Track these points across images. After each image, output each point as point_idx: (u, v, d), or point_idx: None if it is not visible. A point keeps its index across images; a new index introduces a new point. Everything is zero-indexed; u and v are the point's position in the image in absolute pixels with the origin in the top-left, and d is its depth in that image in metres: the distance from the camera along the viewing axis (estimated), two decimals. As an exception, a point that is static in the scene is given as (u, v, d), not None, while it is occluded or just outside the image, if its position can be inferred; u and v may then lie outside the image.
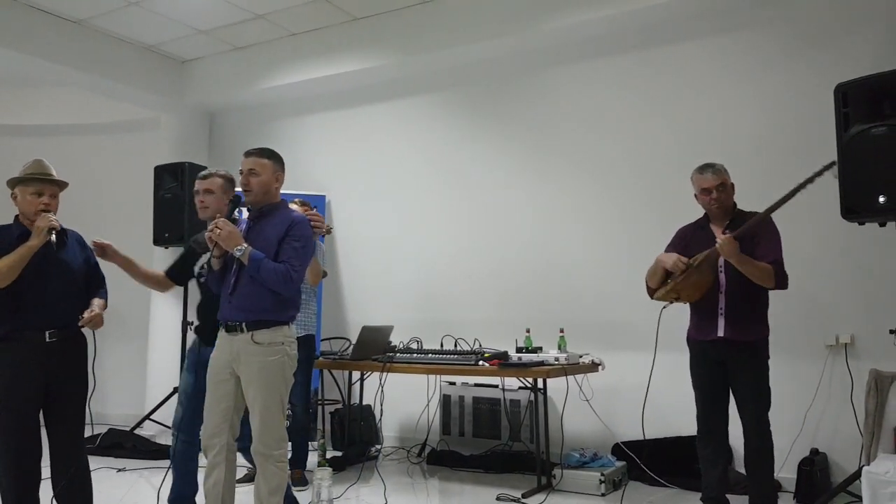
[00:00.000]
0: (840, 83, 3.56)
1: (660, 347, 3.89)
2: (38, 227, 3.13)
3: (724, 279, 3.52)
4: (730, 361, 3.53)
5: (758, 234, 3.47)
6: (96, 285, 3.43)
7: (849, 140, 3.47)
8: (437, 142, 6.04)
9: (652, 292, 3.70)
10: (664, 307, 3.65)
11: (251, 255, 3.09)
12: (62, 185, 3.33)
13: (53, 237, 3.13)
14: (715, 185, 3.56)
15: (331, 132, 6.57)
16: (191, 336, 3.80)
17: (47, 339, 3.16)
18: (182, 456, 3.52)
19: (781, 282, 3.44)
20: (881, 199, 3.39)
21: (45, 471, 3.23)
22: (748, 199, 3.66)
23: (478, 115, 5.89)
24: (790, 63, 4.71)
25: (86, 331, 3.29)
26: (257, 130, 6.85)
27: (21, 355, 3.12)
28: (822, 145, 4.09)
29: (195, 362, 3.51)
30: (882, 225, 3.59)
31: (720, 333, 3.50)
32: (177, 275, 3.74)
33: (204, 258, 3.45)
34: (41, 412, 3.21)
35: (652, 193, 5.07)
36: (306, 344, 4.60)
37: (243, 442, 3.33)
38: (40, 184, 3.22)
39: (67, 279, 3.27)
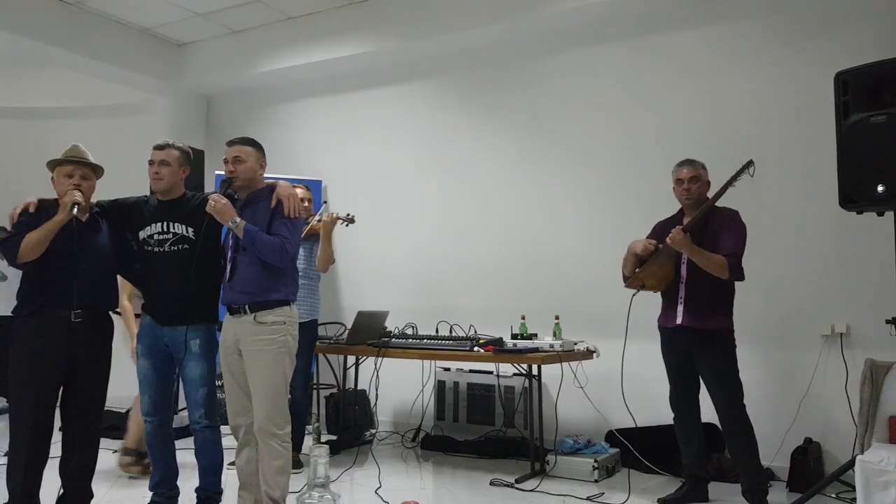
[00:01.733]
0: (840, 71, 3.55)
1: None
2: (63, 202, 3.17)
3: (684, 270, 3.77)
4: (692, 349, 3.76)
5: (722, 228, 3.69)
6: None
7: (848, 128, 3.46)
8: (434, 128, 6.01)
9: (625, 280, 3.94)
10: (634, 294, 3.90)
11: (245, 228, 3.17)
12: (97, 169, 3.37)
13: (76, 211, 3.13)
14: (688, 177, 3.81)
15: (328, 117, 6.55)
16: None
17: (72, 319, 3.18)
18: (156, 441, 3.47)
19: (735, 274, 3.65)
20: (879, 189, 3.38)
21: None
22: (747, 188, 3.66)
23: (474, 101, 5.87)
24: (789, 51, 4.69)
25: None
26: (254, 115, 6.83)
27: (46, 332, 3.15)
28: (821, 134, 4.09)
29: (149, 346, 3.42)
30: (880, 214, 3.59)
31: (679, 321, 3.76)
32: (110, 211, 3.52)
33: (153, 227, 3.40)
34: (61, 390, 3.25)
35: (649, 182, 5.04)
36: (310, 329, 4.60)
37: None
38: (73, 165, 3.28)
39: (97, 260, 3.30)
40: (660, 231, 3.96)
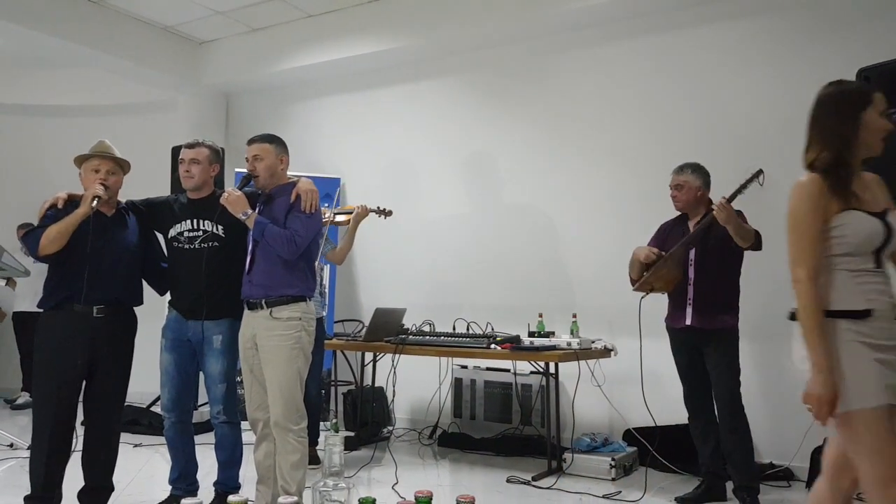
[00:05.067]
0: (862, 68, 3.51)
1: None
2: (84, 196, 3.21)
3: (692, 273, 3.83)
4: (702, 347, 3.81)
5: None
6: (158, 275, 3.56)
7: (870, 126, 3.41)
8: (452, 126, 6.02)
9: (633, 283, 4.02)
10: (643, 297, 3.95)
11: (256, 220, 3.24)
12: (123, 164, 3.40)
13: (96, 204, 3.16)
14: (673, 185, 3.95)
15: (346, 114, 6.58)
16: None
17: (94, 314, 3.21)
18: (175, 437, 3.50)
19: (758, 243, 3.71)
20: (901, 187, 3.33)
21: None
22: (773, 183, 3.62)
23: (492, 98, 5.87)
24: (813, 47, 4.64)
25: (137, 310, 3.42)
26: (273, 112, 6.87)
27: (67, 328, 3.17)
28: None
29: (174, 339, 3.45)
30: (901, 212, 3.53)
31: (688, 322, 3.82)
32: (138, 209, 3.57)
33: (183, 225, 3.44)
34: (83, 384, 3.27)
35: (668, 180, 5.02)
36: (320, 325, 4.63)
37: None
38: (99, 160, 3.32)
39: (121, 257, 3.33)
40: (665, 232, 4.03)
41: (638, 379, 4.75)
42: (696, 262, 3.82)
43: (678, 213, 4.04)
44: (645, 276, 3.89)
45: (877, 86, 3.39)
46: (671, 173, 3.97)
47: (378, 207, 4.68)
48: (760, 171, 3.59)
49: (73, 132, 6.90)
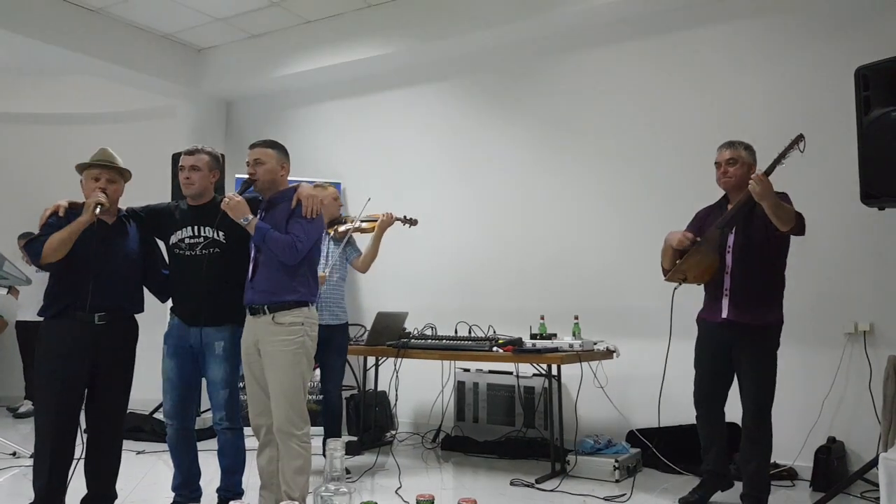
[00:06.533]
0: (861, 66, 3.50)
1: (674, 336, 3.89)
2: (86, 203, 3.21)
3: (730, 259, 3.55)
4: (735, 345, 3.55)
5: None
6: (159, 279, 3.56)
7: (869, 124, 3.41)
8: (453, 129, 6.02)
9: (665, 273, 3.76)
10: (675, 288, 3.72)
11: (257, 225, 3.23)
12: (124, 172, 3.41)
13: (98, 211, 3.17)
14: (726, 159, 3.62)
15: (346, 119, 6.58)
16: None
17: (96, 321, 3.22)
18: (178, 444, 3.50)
19: (801, 227, 3.43)
20: (901, 184, 3.32)
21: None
22: (779, 178, 3.60)
23: (493, 101, 5.87)
24: (813, 46, 4.65)
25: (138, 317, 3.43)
26: (273, 118, 6.88)
27: (70, 334, 3.18)
28: (844, 130, 4.05)
29: (176, 346, 3.45)
30: (902, 210, 3.52)
31: (724, 315, 3.54)
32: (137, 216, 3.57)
33: (184, 231, 3.45)
34: (85, 392, 3.28)
35: (670, 179, 5.03)
36: (342, 331, 4.63)
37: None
38: (99, 168, 3.32)
39: (122, 264, 3.34)
40: (702, 219, 3.77)
41: (639, 379, 4.77)
42: (734, 247, 3.51)
43: (687, 212, 3.90)
44: (678, 263, 3.61)
45: (875, 84, 3.41)
46: (719, 149, 3.67)
47: (404, 216, 4.68)
48: (801, 137, 3.35)
49: (72, 140, 6.92)
